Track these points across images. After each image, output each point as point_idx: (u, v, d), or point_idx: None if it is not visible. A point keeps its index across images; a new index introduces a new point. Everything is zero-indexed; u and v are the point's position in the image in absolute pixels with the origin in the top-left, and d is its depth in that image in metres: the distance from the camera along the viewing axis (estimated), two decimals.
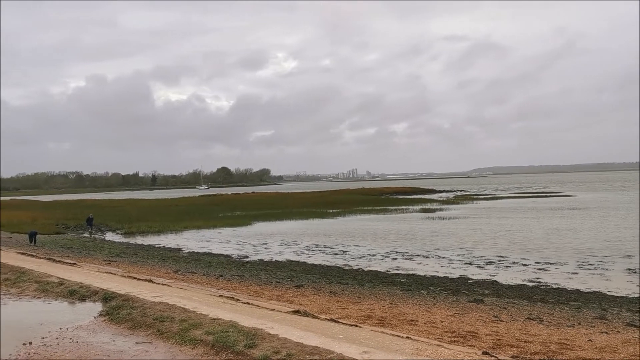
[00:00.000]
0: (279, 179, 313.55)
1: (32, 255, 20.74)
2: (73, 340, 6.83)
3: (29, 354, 6.32)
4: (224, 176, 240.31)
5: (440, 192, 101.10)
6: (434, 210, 52.36)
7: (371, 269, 21.20)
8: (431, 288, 16.75)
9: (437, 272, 20.04)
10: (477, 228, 35.02)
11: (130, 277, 14.67)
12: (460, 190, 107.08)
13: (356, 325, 9.00)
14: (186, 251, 28.02)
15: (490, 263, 21.54)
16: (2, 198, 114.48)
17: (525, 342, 8.98)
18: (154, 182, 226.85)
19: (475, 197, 79.03)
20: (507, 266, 20.83)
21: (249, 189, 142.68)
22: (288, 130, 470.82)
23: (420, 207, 57.67)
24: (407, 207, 58.60)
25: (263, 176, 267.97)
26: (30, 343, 6.73)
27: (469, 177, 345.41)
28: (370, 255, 25.01)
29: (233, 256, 25.80)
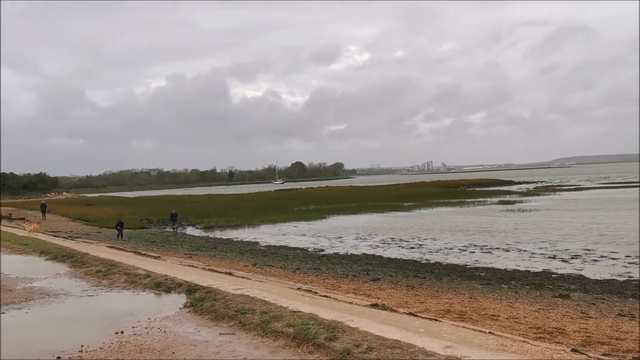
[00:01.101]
0: (353, 172, 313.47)
1: (120, 249, 21.80)
2: (161, 329, 7.10)
3: (121, 342, 6.63)
4: (298, 171, 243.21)
5: (519, 183, 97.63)
6: (513, 202, 50.68)
7: (449, 262, 20.82)
8: (512, 282, 16.24)
9: (518, 265, 19.39)
10: (560, 220, 33.57)
11: (211, 270, 15.10)
12: (541, 182, 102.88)
13: (436, 320, 8.84)
14: (263, 245, 28.55)
15: (575, 257, 20.60)
16: (91, 195, 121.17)
17: (616, 339, 8.52)
18: (231, 177, 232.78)
19: (557, 188, 75.69)
20: (594, 260, 19.85)
21: (322, 183, 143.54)
22: (362, 124, 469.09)
23: (499, 199, 55.97)
24: (485, 199, 57.04)
25: (337, 170, 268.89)
26: (122, 332, 7.06)
27: (550, 167, 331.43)
28: (447, 248, 24.55)
29: (309, 250, 26.03)
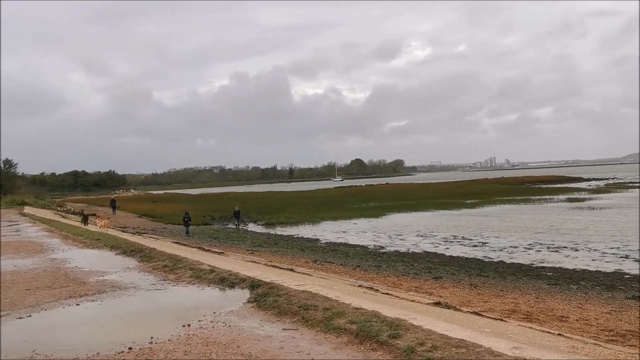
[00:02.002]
0: (413, 169, 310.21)
1: (184, 244, 22.44)
2: (226, 324, 7.25)
3: (188, 335, 6.81)
4: (357, 168, 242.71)
5: (588, 180, 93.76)
6: (582, 200, 48.78)
7: (513, 261, 20.26)
8: (582, 283, 15.64)
9: (588, 265, 18.66)
10: (633, 219, 32.01)
11: (273, 266, 15.30)
12: (612, 178, 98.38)
13: (501, 319, 8.64)
14: (323, 241, 28.66)
15: None
16: (157, 192, 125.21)
17: None
18: (291, 174, 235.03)
19: (630, 185, 72.09)
20: None
21: (382, 180, 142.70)
22: (422, 120, 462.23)
23: (567, 196, 54.00)
24: (552, 196, 55.13)
25: (397, 167, 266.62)
26: (189, 325, 7.25)
27: (622, 163, 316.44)
28: (511, 247, 23.91)
29: (369, 247, 25.95)
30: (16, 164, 70.86)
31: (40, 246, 18.08)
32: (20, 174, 75.71)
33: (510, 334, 6.38)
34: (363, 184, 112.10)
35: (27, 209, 43.63)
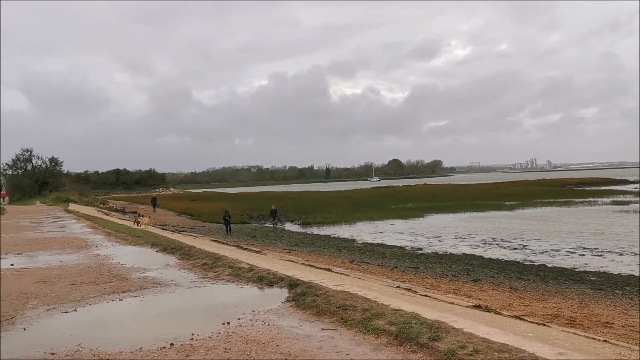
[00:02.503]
0: (451, 170, 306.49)
1: (223, 243, 22.69)
2: (265, 322, 7.30)
3: (227, 332, 6.88)
4: (395, 168, 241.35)
5: (634, 182, 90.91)
6: (628, 203, 47.37)
7: (555, 265, 19.84)
8: (627, 288, 15.21)
9: (633, 271, 18.13)
10: None
11: (310, 265, 15.33)
12: None
13: (543, 324, 8.44)
14: (360, 242, 28.62)
15: None
16: (195, 190, 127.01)
17: None
18: (328, 174, 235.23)
19: None
20: None
21: (420, 181, 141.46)
22: (462, 120, 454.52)
23: (612, 199, 52.53)
24: (595, 199, 53.71)
25: (435, 168, 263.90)
26: (229, 323, 7.33)
27: None
28: (553, 250, 23.41)
29: (406, 248, 25.79)
30: (62, 162, 73.03)
31: (85, 242, 18.56)
32: (65, 172, 77.84)
33: (554, 340, 6.23)
34: (400, 185, 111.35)
35: (72, 206, 44.86)
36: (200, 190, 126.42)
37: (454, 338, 5.77)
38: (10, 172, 69.70)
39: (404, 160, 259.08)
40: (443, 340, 5.73)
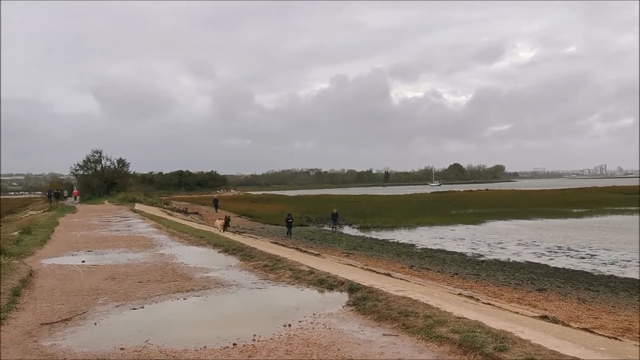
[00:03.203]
0: (514, 175, 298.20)
1: (282, 245, 22.92)
2: (326, 326, 7.31)
3: (289, 335, 6.93)
4: (455, 173, 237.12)
5: None
6: None
7: (626, 276, 18.97)
8: None
9: None
10: None
11: (369, 270, 15.27)
12: None
13: (615, 338, 8.08)
14: (419, 247, 28.28)
15: None
16: (255, 192, 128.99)
17: None
18: (387, 178, 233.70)
19: None
20: None
21: (481, 186, 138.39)
22: (527, 124, 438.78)
23: None
24: None
25: (497, 173, 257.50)
26: (290, 325, 7.38)
27: None
28: (624, 261, 22.39)
29: (467, 254, 25.30)
30: (129, 163, 75.59)
31: (150, 241, 19.14)
32: (132, 173, 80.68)
33: (629, 354, 5.94)
34: (461, 190, 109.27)
35: (137, 206, 46.39)
36: (260, 192, 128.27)
37: (521, 349, 5.59)
38: (81, 172, 72.79)
39: (465, 164, 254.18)
40: (509, 351, 5.56)
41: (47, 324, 7.67)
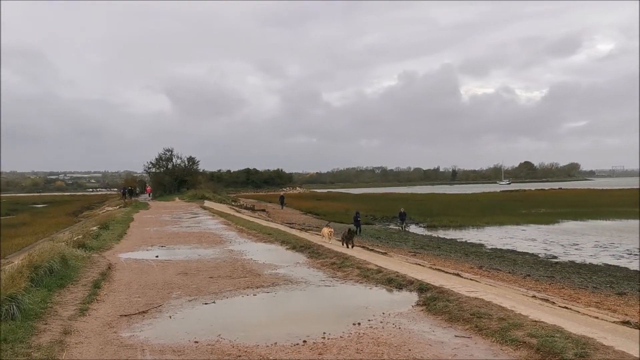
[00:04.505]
0: (590, 174, 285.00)
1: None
2: (395, 325, 7.22)
3: (358, 333, 6.89)
4: (526, 171, 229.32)
5: None
6: None
7: None
8: None
9: None
10: None
11: (437, 269, 15.00)
12: None
13: None
14: (489, 247, 27.55)
15: None
16: (320, 190, 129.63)
17: None
18: (454, 176, 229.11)
19: None
20: None
21: (554, 185, 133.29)
22: (604, 120, 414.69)
23: None
24: None
25: (571, 171, 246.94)
26: (359, 324, 7.34)
27: None
28: None
29: (540, 255, 24.42)
30: (198, 161, 77.73)
31: (219, 238, 19.59)
32: (201, 171, 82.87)
33: None
34: (532, 189, 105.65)
35: (207, 203, 47.61)
36: (325, 190, 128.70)
37: (604, 356, 5.33)
38: (153, 170, 75.52)
39: (536, 162, 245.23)
40: (591, 358, 5.30)
41: (125, 315, 7.98)
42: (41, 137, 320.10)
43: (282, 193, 77.40)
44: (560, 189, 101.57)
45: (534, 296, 11.33)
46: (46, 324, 7.18)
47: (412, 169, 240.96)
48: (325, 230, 19.04)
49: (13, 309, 7.12)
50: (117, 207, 44.90)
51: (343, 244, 16.88)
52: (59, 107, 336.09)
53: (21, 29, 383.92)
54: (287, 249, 16.21)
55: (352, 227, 16.91)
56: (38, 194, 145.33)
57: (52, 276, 9.87)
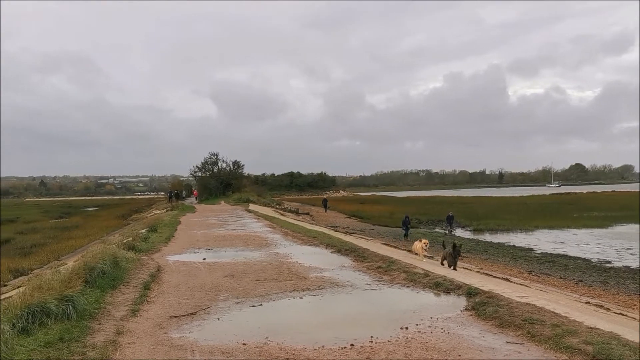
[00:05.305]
0: None
1: (394, 247, 22.69)
2: (444, 330, 7.10)
3: (406, 338, 6.81)
4: (577, 173, 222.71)
5: None
6: None
7: None
8: None
9: None
10: None
11: (485, 274, 14.71)
12: None
13: None
14: (538, 251, 26.88)
15: None
16: (364, 193, 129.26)
17: None
18: (501, 179, 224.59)
19: None
20: None
21: (607, 187, 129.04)
22: None
23: None
24: None
25: (625, 173, 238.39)
26: (407, 328, 7.25)
27: None
28: None
29: (592, 260, 23.68)
30: (243, 165, 78.77)
31: (265, 240, 19.74)
32: (246, 174, 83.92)
33: None
34: (584, 191, 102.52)
35: (251, 206, 48.12)
36: (369, 193, 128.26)
37: None
38: (199, 173, 76.92)
39: (587, 164, 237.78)
40: None
41: (175, 317, 8.13)
42: (92, 142, 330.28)
43: (325, 196, 77.52)
44: (614, 191, 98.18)
45: (587, 302, 10.99)
46: (100, 324, 7.38)
47: (457, 172, 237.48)
48: (418, 244, 15.30)
49: (69, 309, 7.35)
50: (165, 210, 45.84)
51: (443, 264, 13.34)
52: (109, 112, 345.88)
53: (66, 35, 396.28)
54: (332, 252, 16.19)
55: (456, 242, 12.81)
56: (89, 197, 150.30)
57: (104, 277, 10.14)
